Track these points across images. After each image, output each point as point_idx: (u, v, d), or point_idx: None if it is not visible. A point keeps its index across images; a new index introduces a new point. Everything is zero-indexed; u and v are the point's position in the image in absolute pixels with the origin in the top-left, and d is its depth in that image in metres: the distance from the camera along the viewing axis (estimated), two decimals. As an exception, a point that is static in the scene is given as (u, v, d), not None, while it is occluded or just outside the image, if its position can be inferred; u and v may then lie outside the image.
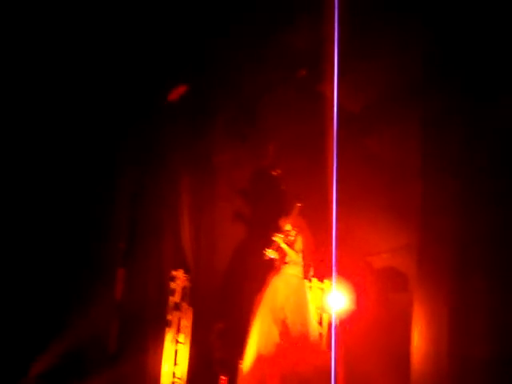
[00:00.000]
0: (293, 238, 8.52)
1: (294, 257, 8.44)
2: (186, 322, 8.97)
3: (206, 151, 9.21)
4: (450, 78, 7.20)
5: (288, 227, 8.50)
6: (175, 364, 8.83)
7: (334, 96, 6.87)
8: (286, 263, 8.48)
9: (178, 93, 9.01)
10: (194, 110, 8.87)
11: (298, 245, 8.53)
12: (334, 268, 7.56)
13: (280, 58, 8.20)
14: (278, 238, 8.41)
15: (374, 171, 8.20)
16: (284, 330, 8.26)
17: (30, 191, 9.01)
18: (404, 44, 7.43)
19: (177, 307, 8.94)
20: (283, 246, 8.41)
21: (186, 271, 9.06)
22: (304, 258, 8.53)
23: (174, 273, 8.99)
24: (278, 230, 8.49)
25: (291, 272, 8.46)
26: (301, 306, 8.34)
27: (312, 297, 8.57)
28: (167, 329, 8.86)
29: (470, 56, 7.01)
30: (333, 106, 6.87)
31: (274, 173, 8.90)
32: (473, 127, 7.28)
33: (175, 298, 8.96)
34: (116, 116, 9.15)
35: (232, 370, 8.48)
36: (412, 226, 8.10)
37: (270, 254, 8.39)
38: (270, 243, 8.41)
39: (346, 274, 7.90)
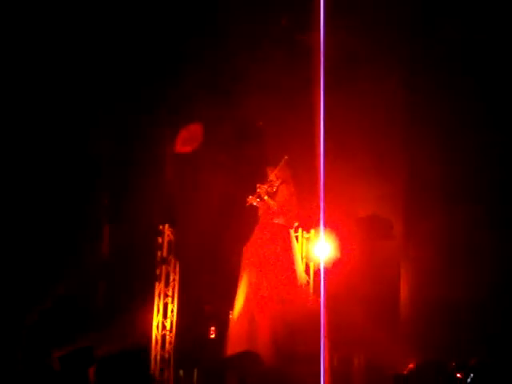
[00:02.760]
0: (275, 189, 8.65)
1: (275, 207, 8.57)
2: (174, 276, 9.04)
3: (189, 106, 9.16)
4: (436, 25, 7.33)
5: (272, 177, 8.63)
6: (165, 317, 8.94)
7: (320, 46, 6.88)
8: (271, 213, 8.61)
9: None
10: (178, 67, 8.79)
11: (281, 195, 8.65)
12: (321, 218, 7.66)
13: (265, 10, 8.16)
14: (261, 189, 8.55)
15: (360, 121, 8.29)
16: (271, 277, 8.42)
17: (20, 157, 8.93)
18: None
19: (164, 261, 9.00)
20: (265, 197, 8.55)
21: (172, 225, 9.10)
22: (287, 208, 8.66)
23: (160, 227, 9.01)
24: (263, 179, 8.61)
25: (276, 221, 8.61)
26: (286, 254, 8.51)
27: (298, 247, 8.74)
28: (156, 283, 8.93)
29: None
30: (319, 57, 6.88)
31: (258, 124, 8.94)
32: (457, 76, 7.42)
33: (162, 253, 9.01)
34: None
35: (221, 320, 8.65)
36: (397, 174, 8.28)
37: (252, 200, 8.53)
38: (253, 192, 8.55)
39: (331, 223, 8.03)
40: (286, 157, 8.55)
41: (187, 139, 9.02)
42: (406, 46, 7.70)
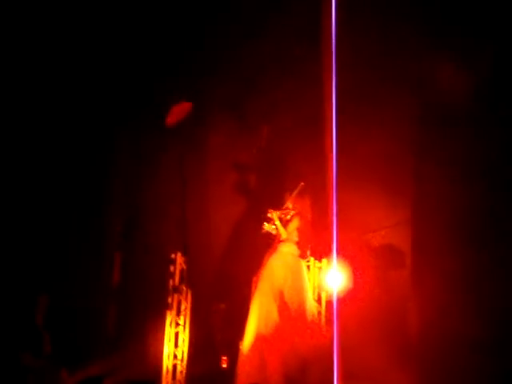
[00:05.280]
0: (289, 217, 8.60)
1: (285, 235, 8.52)
2: (186, 304, 8.99)
3: (202, 133, 9.21)
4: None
5: (289, 205, 8.59)
6: (176, 346, 8.87)
7: (331, 75, 6.90)
8: (281, 241, 8.56)
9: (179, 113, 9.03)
10: (189, 93, 8.85)
11: (293, 225, 8.59)
12: (333, 247, 7.63)
13: (277, 37, 8.21)
14: (273, 214, 8.50)
15: (372, 151, 8.27)
16: (282, 308, 8.34)
17: (28, 177, 9.00)
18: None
19: (176, 290, 8.93)
20: (277, 222, 8.50)
21: (184, 253, 9.07)
22: (299, 237, 8.61)
23: (172, 255, 8.99)
24: (278, 206, 8.57)
25: (287, 250, 8.55)
26: (298, 284, 8.43)
27: (310, 276, 8.67)
28: (167, 311, 8.87)
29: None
30: (331, 85, 6.90)
31: (277, 150, 8.92)
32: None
33: (174, 281, 8.96)
34: (112, 101, 9.13)
35: (232, 350, 8.57)
36: (406, 203, 8.23)
37: (267, 228, 8.48)
38: (267, 219, 8.52)
39: (343, 252, 7.97)
40: (302, 183, 8.50)
41: (177, 112, 8.96)
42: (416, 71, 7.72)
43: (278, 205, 8.63)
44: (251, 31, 8.27)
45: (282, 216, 8.58)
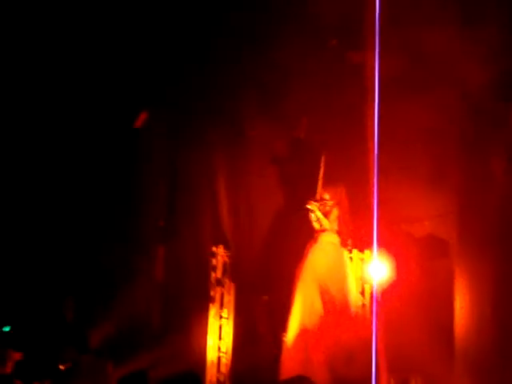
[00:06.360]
0: (329, 208, 8.55)
1: (327, 225, 8.46)
2: (229, 297, 9.03)
3: (240, 125, 9.20)
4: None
5: (326, 196, 8.54)
6: (220, 339, 8.93)
7: (372, 63, 6.81)
8: (322, 231, 8.51)
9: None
10: (225, 85, 8.84)
11: (334, 214, 8.54)
12: (374, 238, 7.55)
13: (313, 27, 8.14)
14: (313, 206, 8.46)
15: (414, 138, 8.15)
16: (326, 299, 8.30)
17: (65, 172, 9.16)
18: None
19: (219, 283, 9.00)
20: (318, 213, 8.45)
21: (226, 247, 9.10)
22: (340, 227, 8.55)
23: (214, 249, 9.03)
24: (316, 198, 8.53)
25: (327, 240, 8.47)
26: (340, 275, 8.36)
27: (353, 268, 8.60)
28: (210, 304, 8.94)
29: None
30: (372, 73, 6.82)
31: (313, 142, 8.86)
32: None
33: (217, 274, 9.01)
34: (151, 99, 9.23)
35: (277, 342, 8.57)
36: (452, 192, 8.10)
37: (312, 215, 8.44)
38: (309, 211, 8.46)
39: (386, 243, 7.89)
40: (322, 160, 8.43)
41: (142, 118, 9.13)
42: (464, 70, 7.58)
43: (315, 196, 8.58)
44: (288, 20, 8.21)
45: (321, 208, 8.54)
